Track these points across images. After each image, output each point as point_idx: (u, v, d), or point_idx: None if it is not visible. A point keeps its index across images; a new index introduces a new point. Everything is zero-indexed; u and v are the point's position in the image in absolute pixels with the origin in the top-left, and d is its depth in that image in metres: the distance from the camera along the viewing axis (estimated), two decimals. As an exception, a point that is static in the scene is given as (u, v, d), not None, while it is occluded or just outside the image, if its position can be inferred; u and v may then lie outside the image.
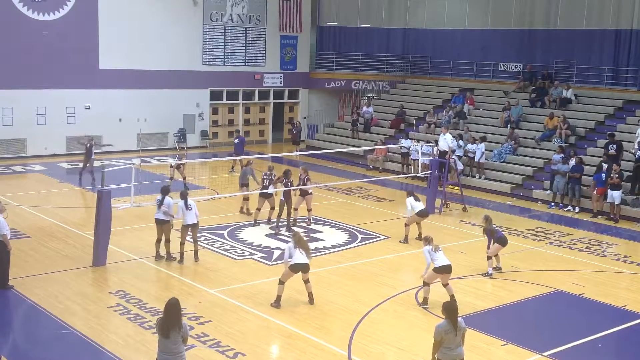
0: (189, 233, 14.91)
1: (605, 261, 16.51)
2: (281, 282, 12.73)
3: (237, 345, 10.88)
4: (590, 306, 13.50)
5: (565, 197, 21.89)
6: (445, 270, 12.80)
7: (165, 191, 14.98)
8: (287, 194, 17.85)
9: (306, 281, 12.86)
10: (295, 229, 17.30)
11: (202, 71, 31.60)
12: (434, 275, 12.90)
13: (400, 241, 17.14)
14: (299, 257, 12.58)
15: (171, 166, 21.98)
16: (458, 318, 8.80)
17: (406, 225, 17.27)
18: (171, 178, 21.57)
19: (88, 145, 22.97)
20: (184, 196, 14.86)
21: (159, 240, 15.02)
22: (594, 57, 28.50)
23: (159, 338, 8.38)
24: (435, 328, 8.83)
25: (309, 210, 18.52)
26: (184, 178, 21.87)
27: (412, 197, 17.03)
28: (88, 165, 22.86)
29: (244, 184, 19.51)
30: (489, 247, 14.95)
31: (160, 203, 14.76)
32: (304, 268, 12.65)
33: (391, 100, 33.22)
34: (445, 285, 12.91)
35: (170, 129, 30.87)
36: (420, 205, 17.11)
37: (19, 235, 16.29)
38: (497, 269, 15.03)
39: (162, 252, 15.06)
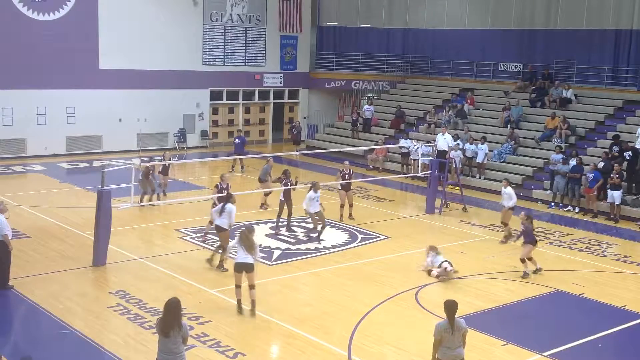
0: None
1: (605, 261, 16.51)
2: (236, 286, 12.10)
3: (237, 345, 10.88)
4: (590, 306, 13.50)
5: (565, 197, 21.90)
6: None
7: (227, 198, 14.52)
8: (286, 194, 17.86)
9: (251, 287, 12.00)
10: (295, 229, 17.31)
11: (202, 71, 31.59)
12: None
13: (501, 242, 17.47)
14: (242, 256, 11.92)
15: (159, 172, 20.87)
16: (458, 318, 8.81)
17: (506, 224, 17.72)
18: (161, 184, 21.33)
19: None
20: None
21: (223, 248, 14.39)
22: (594, 57, 28.50)
23: (159, 338, 8.38)
24: (435, 326, 8.85)
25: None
26: (165, 185, 20.97)
27: (510, 187, 17.95)
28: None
29: (264, 181, 19.96)
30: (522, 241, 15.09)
31: (222, 210, 14.27)
32: (247, 268, 11.90)
33: (391, 100, 33.22)
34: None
35: (170, 129, 30.88)
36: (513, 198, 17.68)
37: (19, 235, 16.28)
38: (538, 270, 14.96)
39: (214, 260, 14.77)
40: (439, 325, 8.79)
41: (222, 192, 16.33)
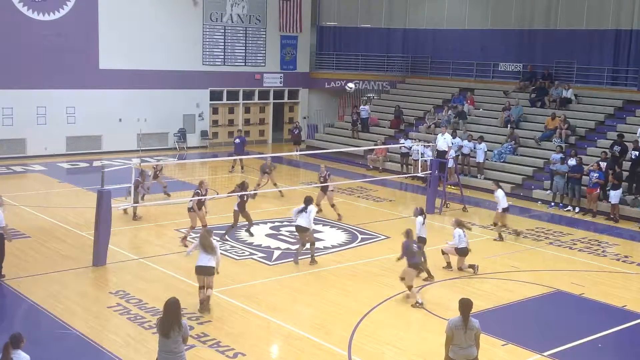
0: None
1: (605, 261, 16.51)
2: (200, 287, 12.10)
3: (237, 345, 10.88)
4: (590, 306, 13.51)
5: (565, 197, 21.90)
6: (464, 252, 14.70)
7: (308, 202, 15.11)
8: (241, 205, 16.99)
9: (207, 286, 12.00)
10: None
11: (202, 71, 31.59)
12: (453, 252, 14.77)
13: (495, 239, 17.83)
14: (203, 258, 11.94)
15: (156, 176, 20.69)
16: (472, 318, 8.76)
17: (496, 224, 18.11)
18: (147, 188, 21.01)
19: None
20: None
21: (312, 243, 15.22)
22: (594, 57, 28.52)
23: (159, 338, 8.38)
24: (447, 322, 8.85)
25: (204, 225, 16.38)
26: (164, 186, 20.83)
27: (501, 189, 18.26)
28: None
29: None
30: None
31: (303, 210, 14.94)
32: (207, 271, 11.93)
33: (391, 100, 33.23)
34: (460, 268, 14.79)
35: (170, 129, 30.88)
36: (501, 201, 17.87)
37: (19, 235, 16.27)
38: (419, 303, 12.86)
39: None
40: (451, 322, 8.77)
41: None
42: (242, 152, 25.96)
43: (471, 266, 14.83)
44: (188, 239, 16.27)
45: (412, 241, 13.24)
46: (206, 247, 11.93)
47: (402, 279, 13.09)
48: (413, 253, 13.04)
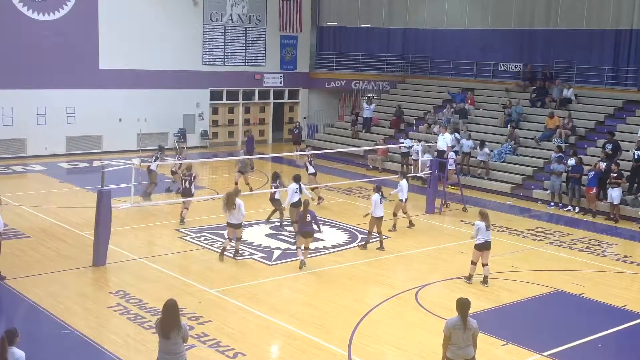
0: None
1: (605, 261, 16.51)
2: (227, 238, 15.14)
3: (237, 345, 10.88)
4: (590, 306, 13.50)
5: (565, 197, 21.89)
6: (484, 247, 13.89)
7: (298, 179, 17.10)
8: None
9: (236, 238, 15.03)
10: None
11: (202, 71, 31.60)
12: (476, 253, 14.02)
13: (389, 229, 17.98)
14: (231, 217, 14.80)
15: (172, 172, 21.67)
16: (470, 318, 8.74)
17: (395, 214, 18.45)
18: (174, 182, 21.57)
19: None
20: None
21: (295, 222, 16.52)
22: (594, 57, 28.53)
23: (159, 339, 8.37)
24: (445, 322, 8.82)
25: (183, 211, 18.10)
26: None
27: (405, 180, 18.59)
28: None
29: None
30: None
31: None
32: (236, 226, 14.87)
33: (391, 100, 33.23)
34: (484, 265, 14.04)
35: (170, 129, 30.89)
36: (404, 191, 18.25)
37: (19, 235, 16.28)
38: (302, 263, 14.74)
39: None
40: (449, 322, 8.73)
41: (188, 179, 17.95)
42: (252, 150, 26.21)
43: (485, 277, 14.15)
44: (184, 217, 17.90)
45: (307, 212, 14.71)
46: (228, 205, 14.57)
47: (308, 248, 14.99)
48: (305, 223, 14.63)
